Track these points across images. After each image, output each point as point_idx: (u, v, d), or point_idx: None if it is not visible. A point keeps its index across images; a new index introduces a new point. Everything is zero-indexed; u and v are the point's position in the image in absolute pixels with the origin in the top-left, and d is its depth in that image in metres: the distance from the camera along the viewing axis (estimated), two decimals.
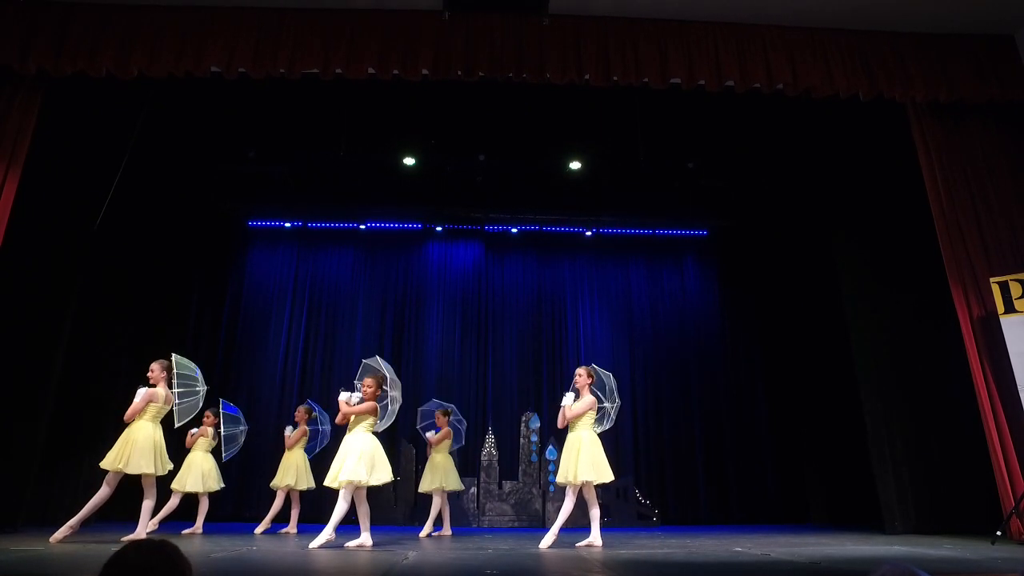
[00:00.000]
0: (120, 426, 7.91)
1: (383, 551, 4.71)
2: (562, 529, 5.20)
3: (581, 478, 5.10)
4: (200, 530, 6.57)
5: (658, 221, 10.26)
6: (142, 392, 5.28)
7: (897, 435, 6.51)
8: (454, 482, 6.74)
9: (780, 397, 9.57)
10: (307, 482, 6.90)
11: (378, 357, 5.65)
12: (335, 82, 6.22)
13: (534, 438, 8.57)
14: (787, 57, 6.25)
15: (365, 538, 4.91)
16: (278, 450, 7.39)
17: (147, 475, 5.13)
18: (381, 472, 4.96)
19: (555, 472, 5.19)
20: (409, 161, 8.51)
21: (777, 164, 8.49)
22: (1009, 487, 5.34)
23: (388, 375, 5.36)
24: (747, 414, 9.64)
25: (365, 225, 10.14)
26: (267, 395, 9.35)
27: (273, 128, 7.94)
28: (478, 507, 8.22)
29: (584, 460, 5.13)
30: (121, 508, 8.07)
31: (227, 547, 4.85)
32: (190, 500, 6.82)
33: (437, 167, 8.77)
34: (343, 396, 5.22)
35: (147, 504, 5.20)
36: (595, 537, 5.16)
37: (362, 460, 4.89)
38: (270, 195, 9.44)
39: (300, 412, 7.18)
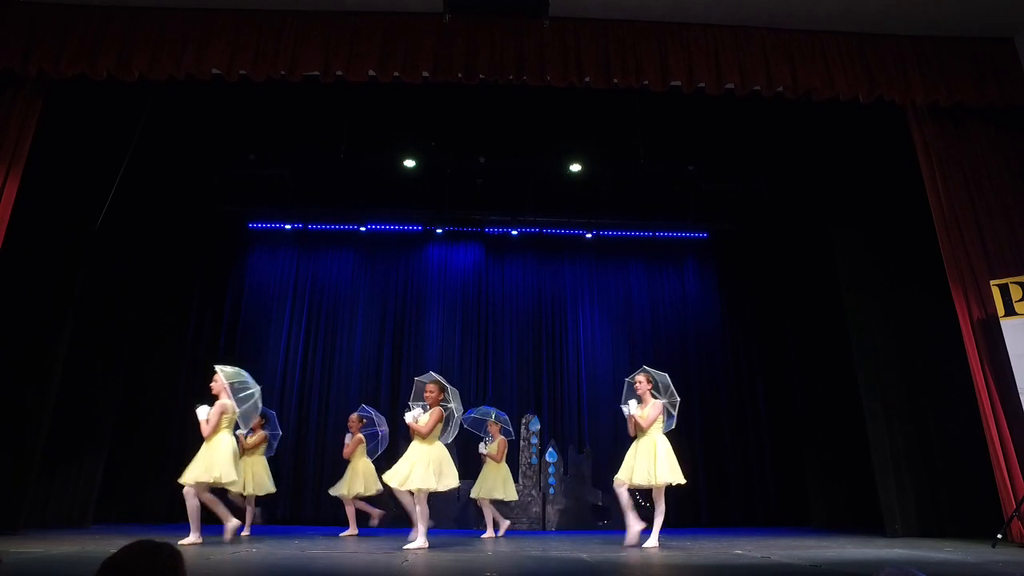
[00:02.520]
0: (120, 427, 7.99)
1: (385, 554, 4.70)
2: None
3: (662, 480, 5.29)
4: (249, 532, 6.67)
5: (658, 223, 10.25)
6: (205, 408, 5.41)
7: (898, 437, 6.50)
8: (500, 492, 6.84)
9: (780, 399, 9.56)
10: (375, 486, 6.89)
11: (432, 372, 5.82)
12: (335, 84, 6.22)
13: (534, 440, 8.57)
14: (787, 60, 6.26)
15: (422, 541, 5.11)
16: (279, 452, 7.40)
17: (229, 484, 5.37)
18: (448, 478, 5.23)
19: (627, 473, 5.42)
20: (409, 163, 8.51)
21: (777, 166, 8.49)
22: (1010, 490, 5.34)
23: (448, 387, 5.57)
24: (747, 416, 9.63)
25: (365, 227, 10.15)
26: (267, 396, 9.27)
27: (274, 130, 7.95)
28: (478, 510, 8.20)
29: (662, 463, 5.32)
30: (121, 508, 8.12)
31: (228, 548, 4.84)
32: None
33: (437, 169, 8.78)
34: (409, 417, 5.36)
35: (194, 507, 5.33)
36: (655, 539, 5.33)
37: (430, 467, 5.14)
38: (270, 197, 9.44)
39: (353, 420, 7.18)
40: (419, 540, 5.12)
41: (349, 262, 10.16)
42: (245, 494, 6.76)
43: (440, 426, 5.34)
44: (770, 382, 9.74)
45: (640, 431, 5.52)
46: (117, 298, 7.83)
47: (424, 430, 5.25)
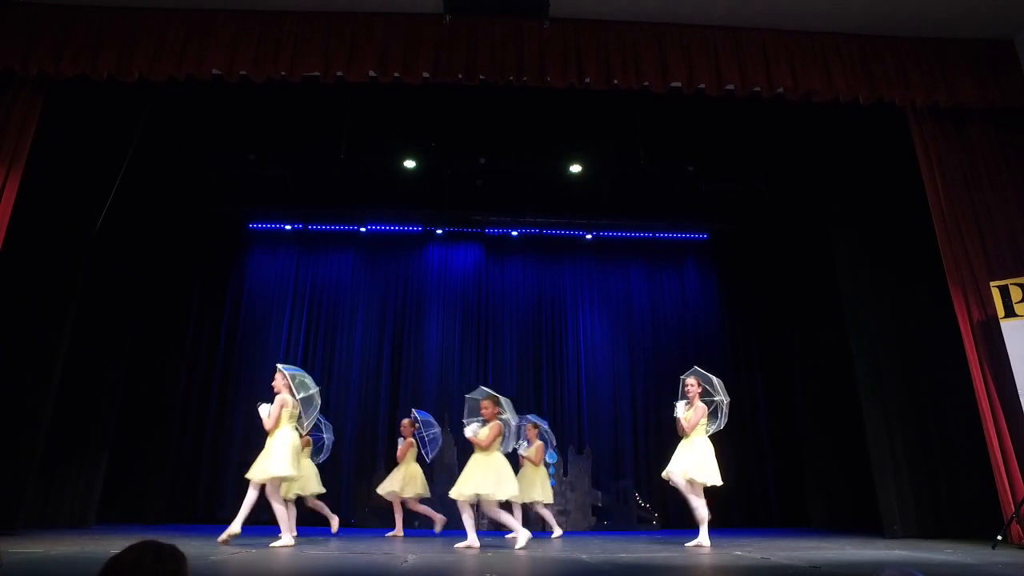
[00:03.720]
0: (120, 426, 7.99)
1: (384, 555, 4.70)
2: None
3: (700, 478, 5.52)
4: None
5: (658, 224, 10.27)
6: (266, 407, 5.43)
7: (897, 439, 6.49)
8: (539, 494, 6.91)
9: (780, 400, 9.57)
10: (423, 489, 6.97)
11: (483, 387, 6.07)
12: (336, 85, 6.22)
13: None
14: (787, 61, 6.26)
15: (473, 539, 5.31)
16: None
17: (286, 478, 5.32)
18: (508, 486, 5.46)
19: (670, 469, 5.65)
20: (410, 164, 8.52)
21: (777, 167, 8.50)
22: (1009, 491, 5.34)
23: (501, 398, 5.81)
24: (747, 417, 9.63)
25: (365, 227, 10.15)
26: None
27: (274, 130, 7.95)
28: (477, 510, 8.20)
29: (697, 463, 5.55)
30: (121, 508, 8.12)
31: (227, 549, 4.84)
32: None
33: (438, 170, 8.78)
34: (469, 432, 5.60)
35: (279, 510, 5.32)
36: (703, 538, 5.50)
37: (488, 476, 5.40)
38: (271, 197, 9.45)
39: (405, 425, 7.20)
40: (470, 538, 5.32)
41: (349, 263, 10.17)
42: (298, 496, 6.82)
43: (499, 439, 5.57)
44: (770, 383, 9.75)
45: (682, 432, 5.75)
46: (117, 298, 7.83)
47: (485, 443, 5.49)
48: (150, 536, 1.46)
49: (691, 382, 5.85)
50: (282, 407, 5.36)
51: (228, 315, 9.70)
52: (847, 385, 7.28)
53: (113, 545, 4.52)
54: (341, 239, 10.26)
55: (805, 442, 8.94)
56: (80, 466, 7.31)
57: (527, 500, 6.87)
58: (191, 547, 4.92)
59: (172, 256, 9.06)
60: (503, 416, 5.65)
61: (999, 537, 5.07)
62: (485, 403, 5.61)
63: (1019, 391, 5.30)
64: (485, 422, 5.55)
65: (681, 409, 5.77)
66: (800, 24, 6.32)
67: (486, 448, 5.48)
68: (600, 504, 8.40)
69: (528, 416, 7.39)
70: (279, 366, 5.63)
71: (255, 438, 8.15)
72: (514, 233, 10.32)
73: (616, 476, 9.11)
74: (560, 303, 10.17)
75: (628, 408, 9.66)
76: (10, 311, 6.14)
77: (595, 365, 9.85)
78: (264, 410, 5.41)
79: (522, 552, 4.99)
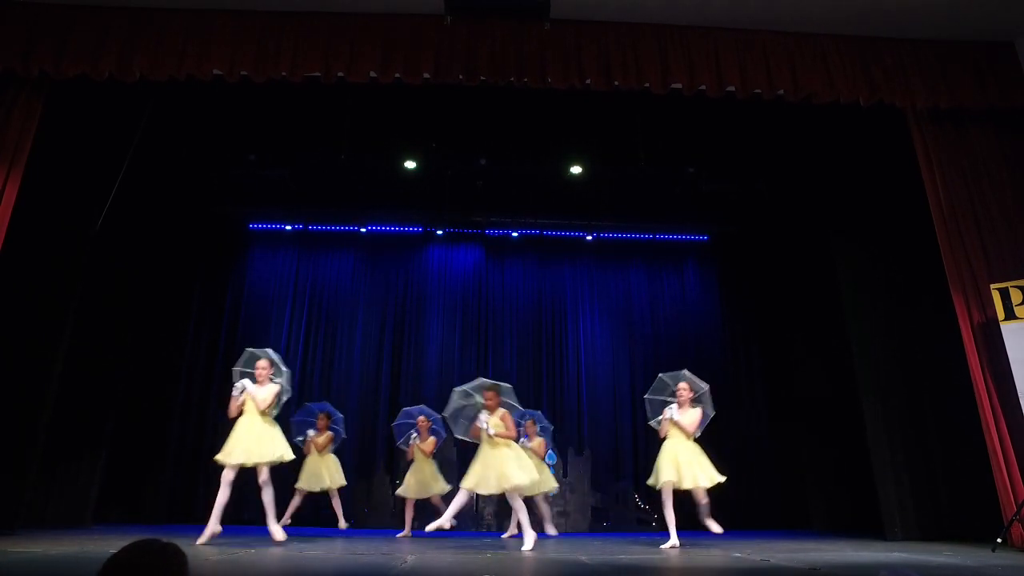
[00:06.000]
0: (120, 426, 7.98)
1: (384, 555, 4.70)
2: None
3: (717, 479, 5.72)
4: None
5: (658, 225, 10.27)
6: (252, 386, 5.60)
7: (898, 440, 6.49)
8: (546, 485, 7.03)
9: (780, 401, 9.56)
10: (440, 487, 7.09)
11: (482, 379, 6.09)
12: (336, 85, 6.21)
13: None
14: (788, 63, 6.26)
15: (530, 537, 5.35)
16: None
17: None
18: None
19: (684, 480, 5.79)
20: (410, 164, 8.51)
21: (778, 169, 8.49)
22: (1010, 494, 5.33)
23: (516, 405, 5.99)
24: (747, 418, 9.62)
25: (366, 228, 10.15)
26: None
27: (274, 131, 7.94)
28: (477, 511, 8.21)
29: (706, 464, 5.73)
30: (121, 508, 8.11)
31: (226, 550, 4.83)
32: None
33: (438, 170, 8.77)
34: (491, 430, 5.58)
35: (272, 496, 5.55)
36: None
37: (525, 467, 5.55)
38: (271, 198, 9.45)
39: (421, 421, 7.30)
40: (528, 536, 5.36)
41: (349, 263, 10.16)
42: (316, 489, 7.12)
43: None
44: (770, 384, 9.74)
45: (667, 435, 5.80)
46: (117, 299, 7.82)
47: (513, 434, 5.63)
48: (149, 536, 1.45)
49: (683, 386, 5.88)
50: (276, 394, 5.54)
51: (228, 315, 9.69)
52: (847, 386, 7.28)
53: (112, 545, 4.49)
54: (341, 239, 10.26)
55: (805, 443, 8.93)
56: (79, 466, 7.30)
57: (547, 490, 7.00)
58: (191, 547, 4.92)
59: (172, 256, 9.05)
60: (508, 401, 5.74)
61: (999, 540, 5.06)
62: (488, 394, 5.65)
63: (1019, 393, 5.30)
64: (490, 413, 5.59)
65: (674, 412, 5.76)
66: (801, 25, 6.31)
67: (512, 438, 5.58)
68: (599, 505, 8.39)
69: (527, 412, 7.40)
70: (269, 352, 5.74)
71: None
72: (514, 234, 10.32)
73: (616, 477, 9.10)
74: (560, 304, 10.16)
75: (628, 410, 9.64)
76: (10, 311, 6.14)
77: (595, 367, 9.84)
78: (253, 389, 5.51)
79: (529, 553, 4.98)
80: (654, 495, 8.92)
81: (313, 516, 8.58)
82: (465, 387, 5.99)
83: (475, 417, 5.72)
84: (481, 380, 5.99)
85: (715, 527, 5.86)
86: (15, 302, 6.18)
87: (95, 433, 7.50)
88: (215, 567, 3.79)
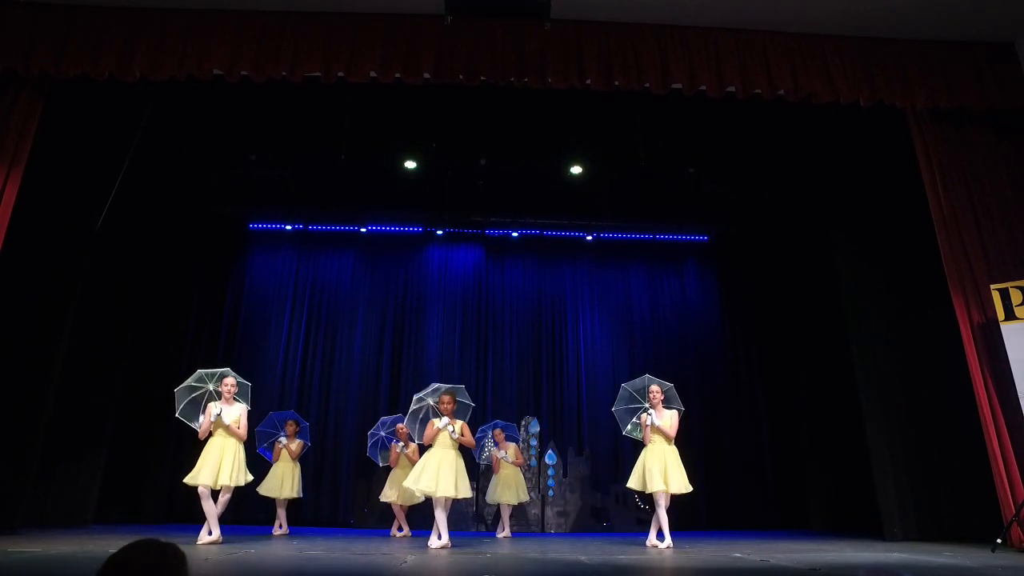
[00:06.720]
0: (120, 426, 7.98)
1: (383, 555, 4.70)
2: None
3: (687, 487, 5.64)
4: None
5: (658, 226, 10.28)
6: (226, 409, 5.66)
7: (897, 441, 6.49)
8: (511, 496, 7.11)
9: (780, 402, 9.56)
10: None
11: (436, 384, 6.15)
12: (336, 85, 6.22)
13: (533, 442, 8.57)
14: (788, 63, 6.26)
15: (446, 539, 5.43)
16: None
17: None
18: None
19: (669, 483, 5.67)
20: (410, 164, 8.51)
21: (778, 169, 8.49)
22: (1009, 494, 5.33)
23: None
24: (747, 419, 9.63)
25: (366, 228, 10.15)
26: (266, 397, 9.32)
27: (274, 131, 7.94)
28: (476, 511, 8.21)
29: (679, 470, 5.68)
30: (121, 508, 8.11)
31: (226, 550, 4.84)
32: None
33: (438, 171, 8.77)
34: (455, 434, 5.61)
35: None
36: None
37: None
38: (271, 198, 9.45)
39: (401, 429, 7.27)
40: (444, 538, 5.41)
41: (349, 263, 10.16)
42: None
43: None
44: (770, 385, 9.74)
45: (649, 439, 5.77)
46: (117, 298, 7.82)
47: (472, 443, 5.81)
48: (149, 536, 1.45)
49: (655, 389, 5.86)
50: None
51: (228, 315, 9.69)
52: (847, 386, 7.28)
53: (112, 544, 4.49)
54: (341, 239, 10.26)
55: (805, 444, 8.94)
56: (79, 466, 7.31)
57: (524, 500, 6.96)
58: (191, 547, 4.92)
59: (172, 256, 9.05)
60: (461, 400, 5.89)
61: (999, 540, 5.06)
62: (445, 398, 5.66)
63: (1019, 394, 5.30)
64: (442, 417, 5.63)
65: (655, 417, 5.73)
66: (801, 26, 6.31)
67: (472, 445, 5.81)
68: (599, 505, 8.39)
69: (496, 423, 7.54)
70: (229, 372, 5.81)
71: (254, 437, 8.17)
72: (514, 234, 10.32)
73: (615, 478, 9.10)
74: (560, 304, 10.16)
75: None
76: (10, 311, 6.14)
77: (595, 366, 9.84)
78: (226, 414, 5.57)
79: (529, 554, 4.99)
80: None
81: (313, 516, 8.62)
82: (419, 393, 6.03)
83: (425, 419, 5.78)
84: (437, 385, 6.03)
85: (665, 541, 5.63)
86: (15, 302, 6.19)
87: (95, 433, 7.51)
88: (215, 567, 3.79)
